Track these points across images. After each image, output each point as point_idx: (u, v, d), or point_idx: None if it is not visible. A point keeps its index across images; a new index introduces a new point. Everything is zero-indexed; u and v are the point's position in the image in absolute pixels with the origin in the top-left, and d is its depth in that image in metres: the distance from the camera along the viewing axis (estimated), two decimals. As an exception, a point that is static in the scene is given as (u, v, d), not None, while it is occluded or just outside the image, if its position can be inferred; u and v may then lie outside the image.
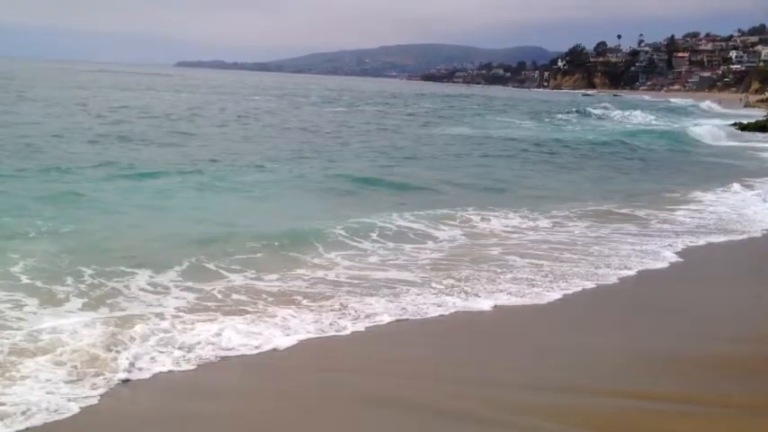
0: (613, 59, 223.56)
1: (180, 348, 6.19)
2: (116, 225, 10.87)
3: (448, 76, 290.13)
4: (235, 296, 7.78)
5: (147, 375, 5.71)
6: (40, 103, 36.40)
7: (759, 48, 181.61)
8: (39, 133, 22.55)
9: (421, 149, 25.40)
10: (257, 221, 11.85)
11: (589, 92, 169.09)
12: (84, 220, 10.93)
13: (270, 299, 7.70)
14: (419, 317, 7.45)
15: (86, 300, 7.36)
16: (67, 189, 13.45)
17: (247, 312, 7.24)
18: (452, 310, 7.65)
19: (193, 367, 5.93)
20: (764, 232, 12.65)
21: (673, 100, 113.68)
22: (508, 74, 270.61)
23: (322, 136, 28.82)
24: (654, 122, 51.31)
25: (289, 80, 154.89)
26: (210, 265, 8.85)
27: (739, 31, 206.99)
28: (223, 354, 6.21)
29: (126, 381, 5.56)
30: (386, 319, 7.27)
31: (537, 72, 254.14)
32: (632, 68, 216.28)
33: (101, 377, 5.54)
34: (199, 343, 6.32)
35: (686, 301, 8.64)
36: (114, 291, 7.71)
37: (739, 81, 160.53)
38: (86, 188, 13.72)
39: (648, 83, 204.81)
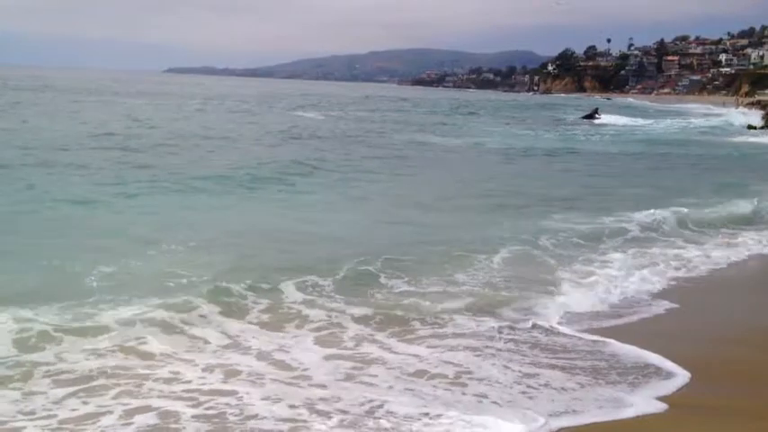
0: (603, 63, 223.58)
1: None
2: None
3: (438, 81, 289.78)
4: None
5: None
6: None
7: (749, 51, 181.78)
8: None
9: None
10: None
11: (580, 96, 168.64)
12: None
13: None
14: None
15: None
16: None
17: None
18: None
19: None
20: None
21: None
22: (498, 78, 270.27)
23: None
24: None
25: (289, 87, 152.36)
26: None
27: (729, 34, 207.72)
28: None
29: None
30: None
31: (527, 76, 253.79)
32: (622, 72, 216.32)
33: None
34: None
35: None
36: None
37: (729, 84, 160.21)
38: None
39: (638, 86, 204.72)
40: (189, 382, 5.94)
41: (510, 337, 7.36)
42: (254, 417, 5.35)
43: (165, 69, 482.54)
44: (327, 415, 5.39)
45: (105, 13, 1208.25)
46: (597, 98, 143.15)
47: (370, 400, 5.65)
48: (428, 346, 7.01)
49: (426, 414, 5.41)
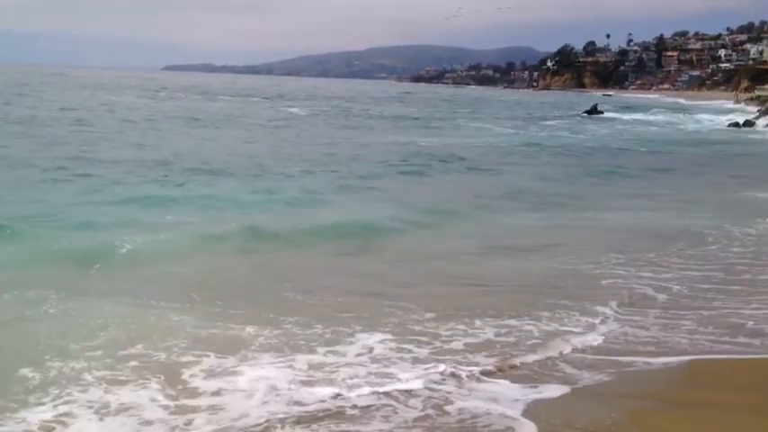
0: (602, 59, 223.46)
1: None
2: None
3: (437, 78, 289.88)
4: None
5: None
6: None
7: (748, 46, 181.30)
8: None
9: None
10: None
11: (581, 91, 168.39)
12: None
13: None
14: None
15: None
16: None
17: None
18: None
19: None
20: None
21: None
22: (497, 74, 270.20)
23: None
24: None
25: (299, 84, 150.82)
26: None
27: (728, 29, 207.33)
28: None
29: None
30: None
31: (526, 72, 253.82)
32: (622, 68, 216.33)
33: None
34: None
35: None
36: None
37: (728, 80, 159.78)
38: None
39: (638, 82, 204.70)
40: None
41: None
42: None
43: (162, 67, 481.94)
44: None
45: (101, 12, 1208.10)
46: (596, 94, 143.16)
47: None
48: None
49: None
